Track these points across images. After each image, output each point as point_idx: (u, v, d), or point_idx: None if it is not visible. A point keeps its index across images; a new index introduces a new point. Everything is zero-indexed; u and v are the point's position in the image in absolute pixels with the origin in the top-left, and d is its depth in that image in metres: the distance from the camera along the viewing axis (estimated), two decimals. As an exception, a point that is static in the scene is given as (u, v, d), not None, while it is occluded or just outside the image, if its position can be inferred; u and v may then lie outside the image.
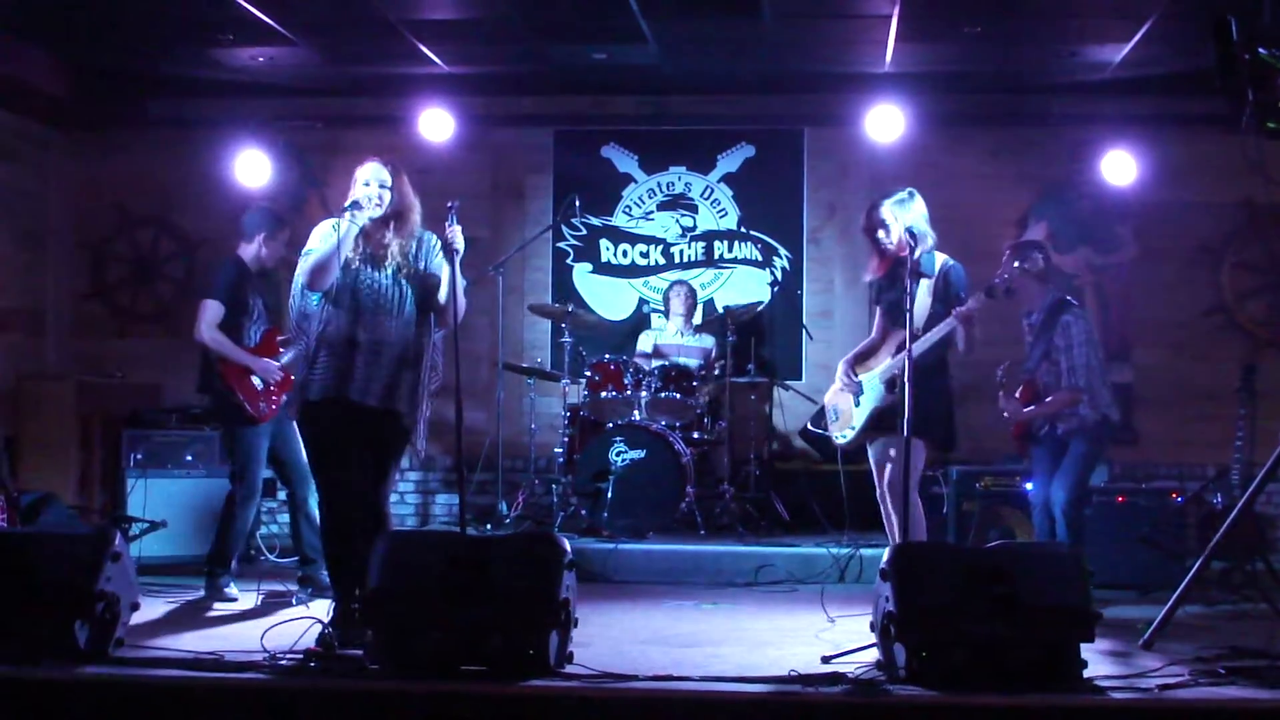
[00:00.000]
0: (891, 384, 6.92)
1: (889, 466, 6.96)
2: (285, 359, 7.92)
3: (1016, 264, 7.12)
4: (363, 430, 6.32)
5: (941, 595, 5.35)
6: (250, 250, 8.08)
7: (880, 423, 7.01)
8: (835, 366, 7.32)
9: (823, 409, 7.62)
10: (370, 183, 6.44)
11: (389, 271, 6.42)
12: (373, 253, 6.43)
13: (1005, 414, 7.74)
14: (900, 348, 6.88)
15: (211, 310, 7.89)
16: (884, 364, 7.03)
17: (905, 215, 6.89)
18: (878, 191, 9.89)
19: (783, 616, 7.16)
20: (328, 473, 6.43)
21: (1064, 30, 9.19)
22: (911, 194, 7.01)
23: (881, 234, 6.94)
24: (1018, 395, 7.69)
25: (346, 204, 6.36)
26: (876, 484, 7.14)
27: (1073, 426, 7.56)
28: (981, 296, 6.83)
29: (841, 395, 7.27)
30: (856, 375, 7.15)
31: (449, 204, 6.40)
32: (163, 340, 10.93)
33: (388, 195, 6.43)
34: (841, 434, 7.27)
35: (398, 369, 6.36)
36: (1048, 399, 7.55)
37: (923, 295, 6.88)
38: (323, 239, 6.37)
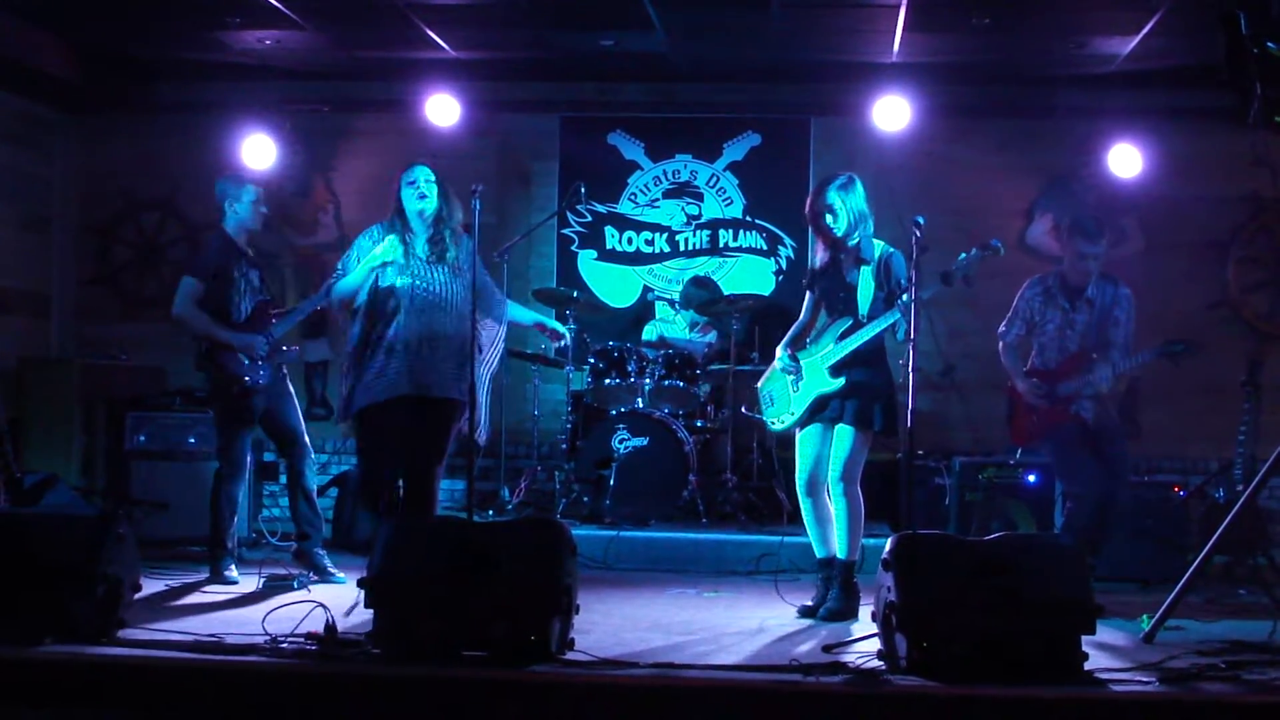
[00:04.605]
0: (836, 370, 6.90)
1: (839, 456, 6.86)
2: (278, 331, 7.92)
3: (976, 250, 6.76)
4: (424, 421, 7.07)
5: (943, 586, 5.36)
6: (231, 222, 8.01)
7: (821, 409, 6.96)
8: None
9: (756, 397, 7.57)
10: (416, 181, 7.19)
11: (444, 269, 7.15)
12: (428, 252, 7.16)
13: (1039, 395, 7.61)
14: (843, 335, 6.90)
15: (186, 286, 7.91)
16: (826, 350, 6.97)
17: (850, 200, 6.89)
18: (884, 181, 9.96)
19: (784, 605, 7.16)
20: (380, 469, 7.21)
21: (1072, 22, 9.17)
22: (852, 179, 6.97)
23: (829, 219, 6.91)
24: (1057, 371, 7.63)
25: (396, 209, 7.17)
26: (800, 472, 7.03)
27: (1104, 421, 7.57)
28: (937, 284, 6.75)
29: (777, 380, 7.24)
30: (797, 359, 7.11)
31: (473, 188, 6.89)
32: (167, 324, 10.86)
33: (435, 191, 7.16)
34: (780, 419, 7.21)
35: (458, 361, 7.03)
36: (1103, 370, 7.51)
37: (865, 280, 6.89)
38: (374, 245, 7.19)
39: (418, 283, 7.12)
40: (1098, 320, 7.60)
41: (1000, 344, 7.83)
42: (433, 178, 7.24)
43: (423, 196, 7.18)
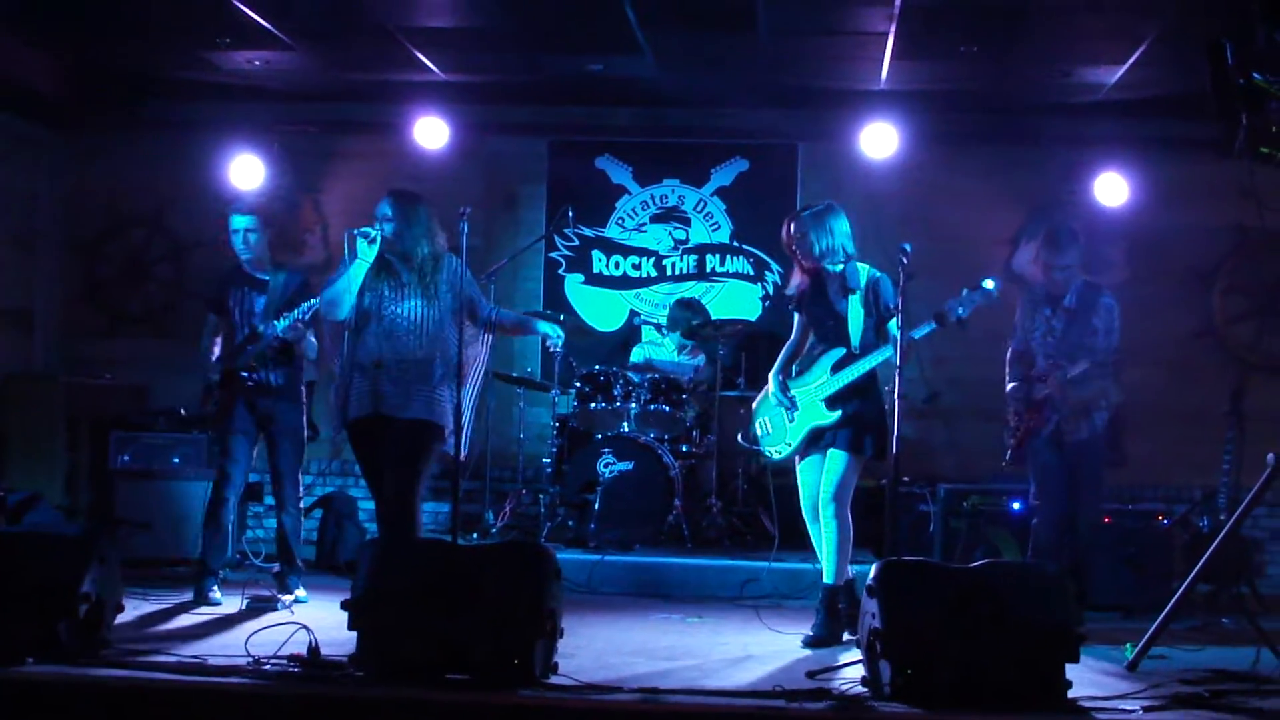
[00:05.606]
0: (832, 403, 6.92)
1: (831, 479, 6.89)
2: (243, 359, 7.80)
3: (968, 292, 6.77)
4: (392, 442, 7.00)
5: (928, 613, 5.36)
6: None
7: (817, 440, 7.00)
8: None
9: (750, 422, 7.58)
10: (378, 216, 7.06)
11: (414, 294, 7.07)
12: (394, 278, 7.07)
13: (1017, 398, 7.72)
14: (837, 367, 6.92)
15: (208, 321, 8.13)
16: (820, 381, 7.00)
17: (824, 228, 6.91)
18: (871, 208, 9.98)
19: (768, 631, 7.16)
20: (374, 481, 7.20)
21: (1059, 51, 9.21)
22: (830, 206, 7.02)
23: (799, 245, 6.95)
24: (1036, 377, 7.67)
25: (355, 232, 6.96)
26: (805, 500, 7.10)
27: (1083, 436, 7.60)
28: (931, 324, 6.78)
29: (771, 408, 7.26)
30: (789, 390, 7.13)
31: (461, 210, 6.97)
32: (152, 342, 10.92)
33: (390, 227, 7.02)
34: (777, 449, 7.25)
35: (427, 384, 7.02)
36: (1077, 372, 7.54)
37: (854, 309, 6.92)
38: (337, 272, 7.08)
39: (385, 306, 7.08)
40: (1077, 328, 7.64)
41: (1009, 351, 7.93)
42: (390, 213, 7.06)
43: (371, 242, 6.96)
